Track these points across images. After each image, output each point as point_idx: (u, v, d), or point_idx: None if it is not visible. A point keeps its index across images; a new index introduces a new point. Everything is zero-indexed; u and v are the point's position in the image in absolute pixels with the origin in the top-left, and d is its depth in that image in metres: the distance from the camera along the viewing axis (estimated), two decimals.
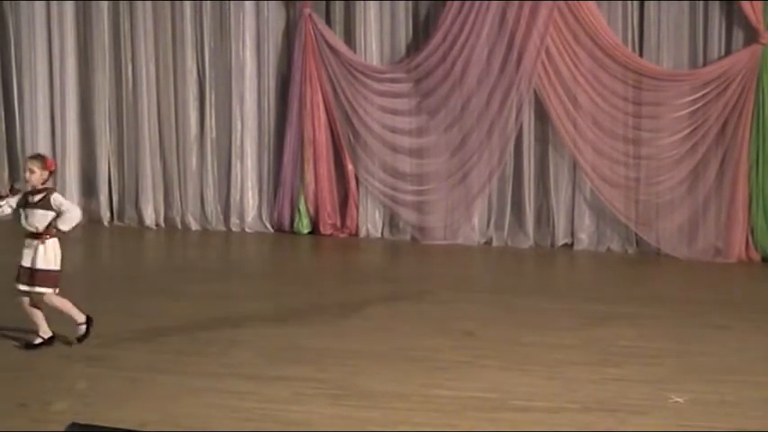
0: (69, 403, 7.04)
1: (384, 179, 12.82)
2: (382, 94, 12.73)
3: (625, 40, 11.91)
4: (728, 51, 11.68)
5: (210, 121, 13.28)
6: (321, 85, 12.79)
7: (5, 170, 13.93)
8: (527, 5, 11.91)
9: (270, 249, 12.66)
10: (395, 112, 12.75)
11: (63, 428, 5.85)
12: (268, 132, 13.16)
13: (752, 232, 11.70)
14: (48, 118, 13.64)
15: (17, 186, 8.39)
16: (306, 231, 13.03)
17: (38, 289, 8.17)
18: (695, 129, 11.75)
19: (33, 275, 8.13)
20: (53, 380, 7.55)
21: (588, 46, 11.88)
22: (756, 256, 11.69)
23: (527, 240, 12.42)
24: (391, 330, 8.85)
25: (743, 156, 11.57)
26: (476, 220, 12.62)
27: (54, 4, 13.48)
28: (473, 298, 10.05)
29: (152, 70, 13.33)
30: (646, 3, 11.85)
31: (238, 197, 13.22)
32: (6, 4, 13.62)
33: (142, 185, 13.45)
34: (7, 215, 8.24)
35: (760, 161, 11.58)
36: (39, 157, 8.34)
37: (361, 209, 12.97)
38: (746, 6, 11.37)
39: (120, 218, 13.61)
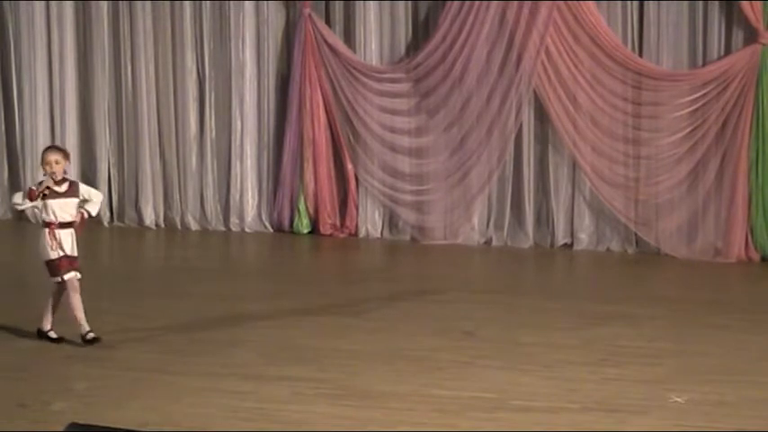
0: (69, 403, 7.04)
1: (383, 179, 12.83)
2: (382, 93, 12.74)
3: (625, 40, 11.91)
4: (728, 51, 11.68)
5: (210, 122, 13.28)
6: (321, 85, 12.80)
7: (5, 170, 13.93)
8: (527, 5, 11.92)
9: (269, 249, 12.66)
10: (394, 112, 12.76)
11: (63, 428, 5.85)
12: (267, 132, 13.16)
13: (751, 232, 11.70)
14: (47, 118, 13.64)
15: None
16: (305, 231, 13.03)
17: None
18: (695, 129, 11.75)
19: (75, 262, 8.24)
20: (53, 380, 7.55)
21: (588, 46, 11.89)
22: (756, 256, 11.69)
23: (527, 240, 12.42)
24: (391, 330, 8.85)
25: (742, 155, 11.57)
26: (475, 220, 12.62)
27: (54, 5, 13.48)
28: (473, 298, 10.05)
29: (151, 70, 13.33)
30: (645, 3, 11.85)
31: (238, 197, 13.23)
32: (6, 5, 13.62)
33: (142, 186, 13.45)
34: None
35: (759, 161, 11.57)
36: (60, 149, 8.48)
37: (360, 209, 12.97)
38: (746, 6, 11.38)
39: (120, 218, 13.61)
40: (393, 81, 12.68)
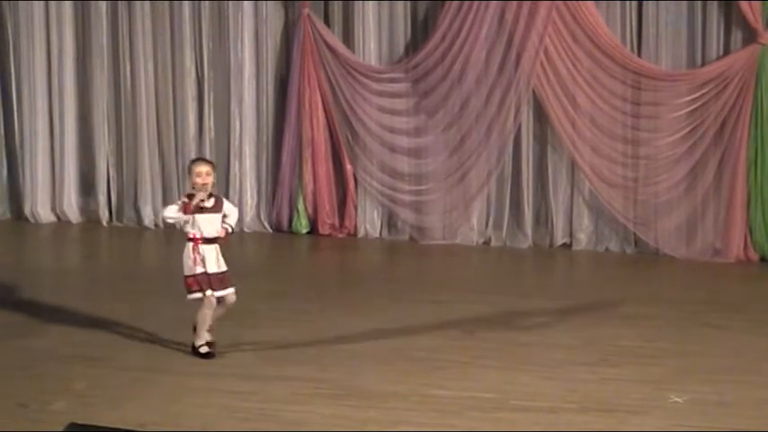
0: (69, 403, 7.04)
1: (382, 179, 12.83)
2: (381, 94, 12.74)
3: (623, 40, 11.92)
4: (727, 51, 11.69)
5: (209, 122, 13.28)
6: (320, 86, 12.80)
7: (4, 170, 13.91)
8: (526, 5, 11.92)
9: (268, 249, 12.66)
10: (393, 112, 12.76)
11: (63, 428, 5.86)
12: (266, 132, 13.16)
13: (750, 232, 11.71)
14: (46, 118, 13.63)
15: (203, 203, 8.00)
16: (304, 231, 13.03)
17: (230, 290, 8.09)
18: (694, 129, 11.76)
19: (225, 278, 8.03)
20: (53, 380, 7.55)
21: (587, 46, 11.89)
22: (755, 256, 11.69)
23: (526, 240, 12.42)
24: (391, 330, 8.85)
25: (741, 156, 11.58)
26: (474, 220, 12.62)
27: (53, 5, 13.47)
28: (473, 298, 10.05)
29: (150, 70, 13.32)
30: (644, 3, 11.86)
31: (237, 197, 13.20)
32: (5, 5, 13.61)
33: (141, 185, 13.44)
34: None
35: (758, 161, 11.58)
36: (209, 160, 8.33)
37: (359, 209, 12.97)
38: (745, 6, 11.38)
39: (119, 218, 13.60)
40: (392, 81, 12.68)
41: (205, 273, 7.94)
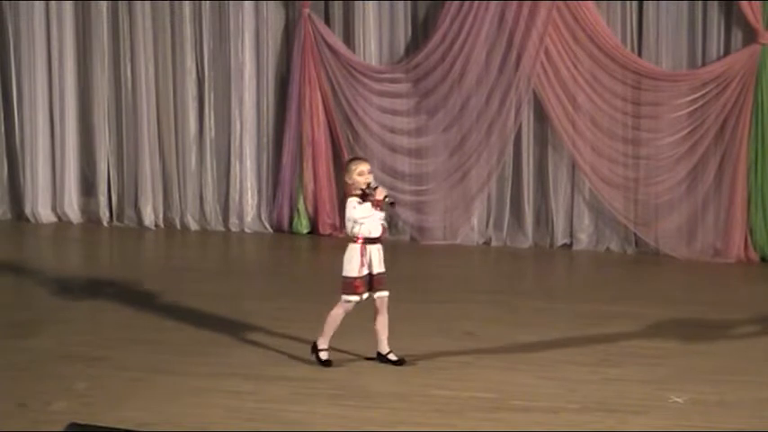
0: (69, 403, 7.05)
1: (383, 179, 12.80)
2: (381, 94, 12.73)
3: (624, 41, 11.91)
4: (727, 51, 11.68)
5: (209, 122, 13.27)
6: (320, 86, 12.79)
7: (5, 170, 13.90)
8: (526, 6, 11.91)
9: (269, 249, 12.65)
10: (394, 113, 12.75)
11: (63, 428, 5.86)
12: (267, 132, 13.15)
13: (751, 232, 11.70)
14: (47, 118, 13.62)
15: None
16: (305, 231, 13.02)
17: (386, 292, 7.97)
18: (694, 129, 11.76)
19: (384, 279, 7.93)
20: (53, 380, 7.56)
21: (587, 46, 11.89)
22: (755, 257, 11.68)
23: (526, 240, 12.42)
24: (391, 330, 8.83)
25: (742, 156, 11.57)
26: (475, 221, 12.62)
27: (53, 5, 13.46)
28: (473, 298, 10.05)
29: (151, 71, 13.31)
30: (645, 3, 11.85)
31: (237, 197, 13.22)
32: (5, 5, 13.60)
33: (141, 186, 13.43)
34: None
35: (759, 161, 11.58)
36: (365, 159, 8.26)
37: None
38: (745, 6, 11.38)
39: (120, 218, 13.59)
40: (392, 81, 12.68)
41: (370, 274, 7.84)
